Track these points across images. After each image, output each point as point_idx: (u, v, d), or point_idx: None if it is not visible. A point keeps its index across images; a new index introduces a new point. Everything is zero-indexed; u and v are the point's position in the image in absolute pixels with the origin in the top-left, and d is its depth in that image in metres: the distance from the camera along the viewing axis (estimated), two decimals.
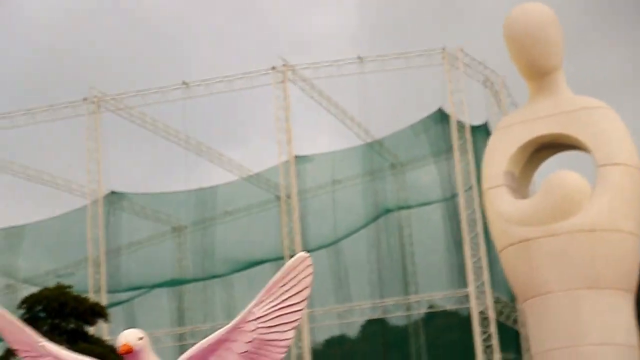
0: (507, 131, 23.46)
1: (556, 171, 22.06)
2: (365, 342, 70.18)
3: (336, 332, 70.02)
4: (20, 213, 75.02)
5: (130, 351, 8.97)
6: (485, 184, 19.30)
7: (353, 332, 71.58)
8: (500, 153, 22.81)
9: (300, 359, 61.77)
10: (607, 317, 16.20)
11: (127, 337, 9.05)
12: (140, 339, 9.08)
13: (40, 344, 9.73)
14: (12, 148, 71.00)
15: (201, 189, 68.90)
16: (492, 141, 24.48)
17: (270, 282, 9.34)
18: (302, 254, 9.45)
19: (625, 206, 16.99)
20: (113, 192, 67.19)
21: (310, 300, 63.32)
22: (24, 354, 10.00)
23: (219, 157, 68.56)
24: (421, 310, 65.81)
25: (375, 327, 67.34)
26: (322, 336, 69.34)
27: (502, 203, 18.22)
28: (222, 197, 68.32)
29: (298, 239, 62.87)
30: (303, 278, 9.29)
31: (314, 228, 65.67)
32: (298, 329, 70.14)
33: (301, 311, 9.41)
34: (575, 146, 23.72)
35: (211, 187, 69.04)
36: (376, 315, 66.18)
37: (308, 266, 9.30)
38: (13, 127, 66.20)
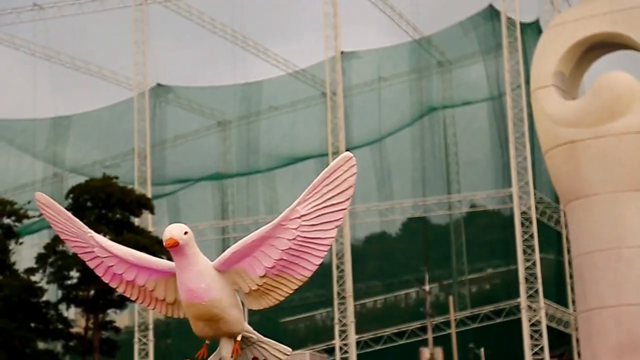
0: (559, 29, 22.98)
1: (606, 72, 21.67)
2: (405, 239, 70.59)
3: (377, 229, 70.47)
4: (67, 103, 75.65)
5: (175, 245, 9.12)
6: (534, 84, 19.00)
7: (394, 229, 72.00)
8: (551, 52, 22.41)
9: (341, 255, 62.44)
10: None
11: (173, 232, 9.19)
12: (186, 233, 9.21)
13: (89, 234, 9.89)
14: (60, 38, 71.25)
15: (247, 84, 68.84)
16: (544, 39, 24.02)
17: (315, 181, 9.37)
18: (347, 153, 9.42)
19: None
20: (159, 85, 67.41)
21: (352, 197, 63.62)
22: (72, 244, 10.19)
23: (265, 52, 68.25)
24: (463, 210, 65.96)
25: (417, 225, 67.60)
26: (363, 233, 69.87)
27: (550, 104, 17.98)
28: (268, 93, 68.25)
29: (342, 136, 62.86)
30: (347, 178, 9.29)
31: (359, 125, 65.57)
32: (340, 227, 70.16)
33: (344, 210, 9.44)
34: (627, 46, 23.26)
35: (257, 82, 68.94)
36: (418, 213, 66.38)
37: (352, 166, 9.27)
38: (61, 17, 66.31)
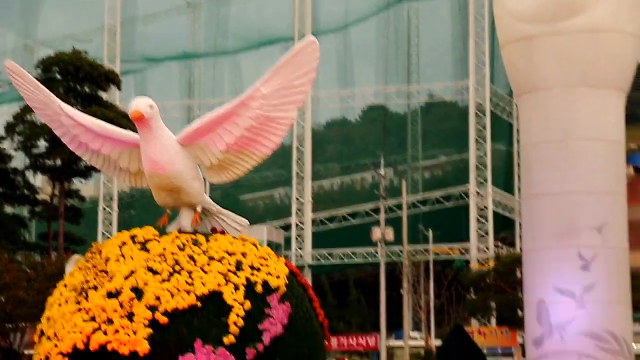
0: None
1: None
2: (365, 126, 70.96)
3: (338, 115, 70.74)
4: None
5: (141, 118, 9.12)
6: None
7: (354, 116, 72.32)
8: None
9: (301, 137, 62.67)
10: (600, 115, 16.30)
11: (139, 104, 9.18)
12: (151, 107, 9.21)
13: (56, 103, 9.87)
14: None
15: None
16: None
17: (278, 62, 9.38)
18: (311, 38, 9.43)
19: (630, 8, 16.70)
20: None
21: (315, 83, 63.18)
22: (40, 112, 10.16)
23: None
24: (421, 99, 66.23)
25: (376, 113, 67.89)
26: (324, 118, 70.14)
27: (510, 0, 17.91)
28: None
29: (309, 22, 62.25)
30: (310, 61, 9.32)
31: (326, 12, 64.87)
32: (301, 111, 70.52)
33: (305, 92, 9.50)
34: None
35: None
36: (378, 101, 66.57)
37: (315, 50, 9.32)
38: None
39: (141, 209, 63.91)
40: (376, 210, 55.73)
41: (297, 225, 61.58)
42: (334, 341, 47.74)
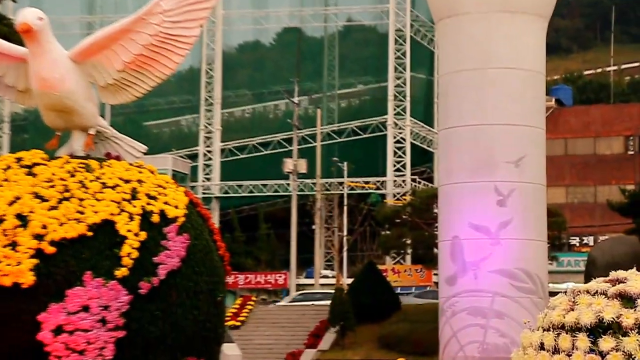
0: None
1: None
2: (279, 50, 70.47)
3: (250, 37, 70.06)
4: None
5: (29, 30, 8.91)
6: None
7: (267, 39, 71.76)
8: None
9: (211, 61, 62.04)
10: (519, 42, 16.48)
11: (26, 16, 8.96)
12: (41, 19, 9.01)
13: None
14: None
15: None
16: None
17: None
18: None
19: None
20: None
21: (227, 2, 62.18)
22: None
23: None
24: (339, 23, 66.00)
25: (291, 37, 67.44)
26: (236, 40, 69.40)
27: None
28: None
29: None
30: None
31: None
32: (211, 32, 69.45)
33: (208, 9, 9.41)
34: None
35: None
36: (293, 24, 66.12)
37: None
38: None
39: (35, 132, 62.66)
40: (289, 141, 55.78)
41: (204, 154, 61.29)
42: (241, 278, 47.98)
